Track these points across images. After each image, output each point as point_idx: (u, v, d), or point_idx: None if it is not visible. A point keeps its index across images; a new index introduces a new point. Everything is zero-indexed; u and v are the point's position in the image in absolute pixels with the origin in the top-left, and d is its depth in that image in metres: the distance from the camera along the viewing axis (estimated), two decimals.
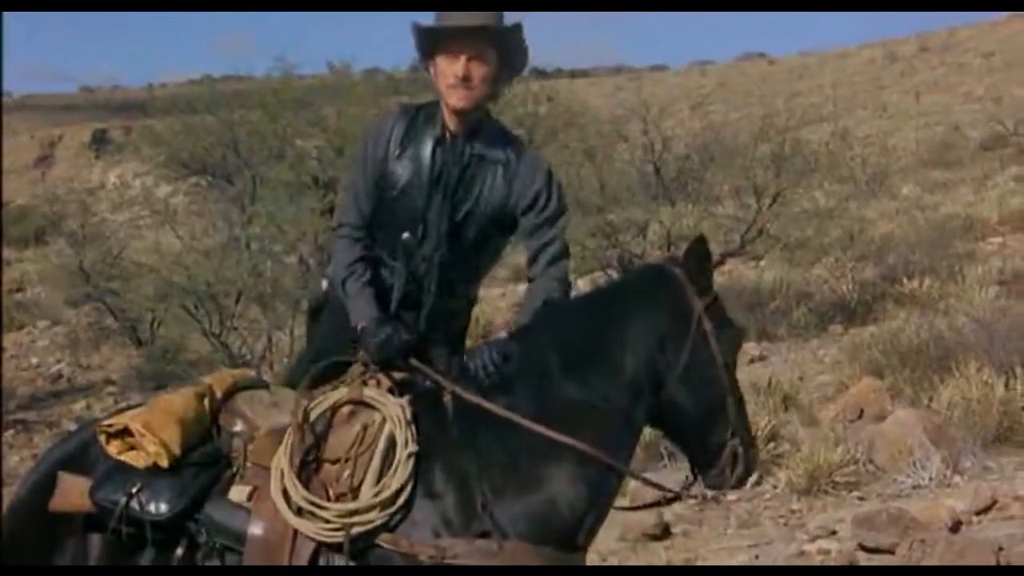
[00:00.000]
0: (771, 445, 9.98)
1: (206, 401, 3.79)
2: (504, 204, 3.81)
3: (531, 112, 28.10)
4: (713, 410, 3.63)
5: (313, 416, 3.59)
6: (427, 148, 3.74)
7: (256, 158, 23.72)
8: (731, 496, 9.38)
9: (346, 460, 3.50)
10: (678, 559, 8.24)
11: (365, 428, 3.53)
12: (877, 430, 10.03)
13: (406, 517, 3.43)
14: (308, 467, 3.51)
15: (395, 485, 3.41)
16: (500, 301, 20.60)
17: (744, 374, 12.97)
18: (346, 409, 3.63)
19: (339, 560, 3.40)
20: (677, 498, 3.87)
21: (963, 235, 18.71)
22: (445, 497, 3.45)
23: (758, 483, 9.58)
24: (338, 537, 3.40)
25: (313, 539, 3.43)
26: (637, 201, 17.96)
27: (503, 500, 3.44)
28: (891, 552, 7.32)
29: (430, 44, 3.72)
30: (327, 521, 3.41)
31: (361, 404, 3.61)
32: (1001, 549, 6.78)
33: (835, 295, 16.21)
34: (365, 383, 3.65)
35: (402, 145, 3.75)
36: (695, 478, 3.78)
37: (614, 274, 16.84)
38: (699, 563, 8.10)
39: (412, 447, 3.47)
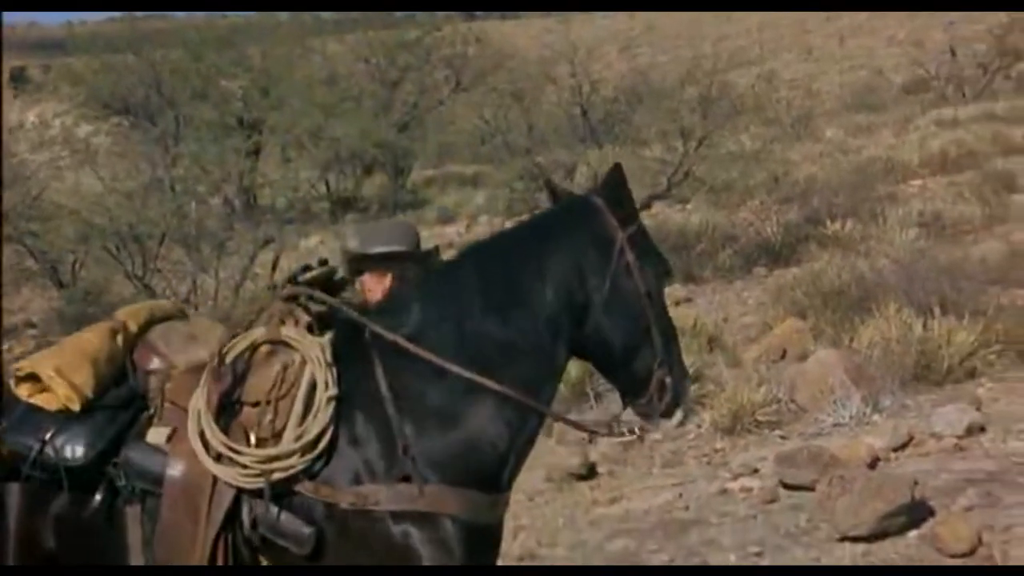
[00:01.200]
0: (696, 386, 10.11)
1: (119, 338, 3.67)
2: None
3: (459, 53, 27.95)
4: (637, 340, 3.58)
5: (231, 356, 3.50)
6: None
7: (179, 98, 23.36)
8: (656, 436, 9.51)
9: (267, 403, 3.42)
10: (603, 499, 8.35)
11: (285, 368, 3.45)
12: (799, 370, 10.19)
13: (328, 463, 3.37)
14: (228, 410, 3.44)
15: (315, 430, 3.35)
16: (428, 243, 20.50)
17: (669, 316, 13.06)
18: (264, 349, 3.54)
19: (260, 507, 3.35)
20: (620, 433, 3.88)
21: (885, 178, 18.96)
22: (366, 441, 3.40)
23: (682, 423, 9.70)
24: (258, 483, 3.34)
25: (232, 485, 3.37)
26: (565, 143, 17.98)
27: (424, 442, 3.39)
28: (811, 489, 7.46)
29: (358, 265, 3.94)
30: (246, 467, 3.34)
31: (280, 343, 3.52)
32: (916, 484, 6.95)
33: (760, 237, 16.38)
34: (283, 321, 3.56)
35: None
36: (624, 409, 3.74)
37: (545, 202, 16.89)
38: (624, 502, 8.22)
39: (332, 390, 3.40)
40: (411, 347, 3.44)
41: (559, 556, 7.30)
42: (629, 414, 3.76)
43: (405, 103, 27.49)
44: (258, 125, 22.17)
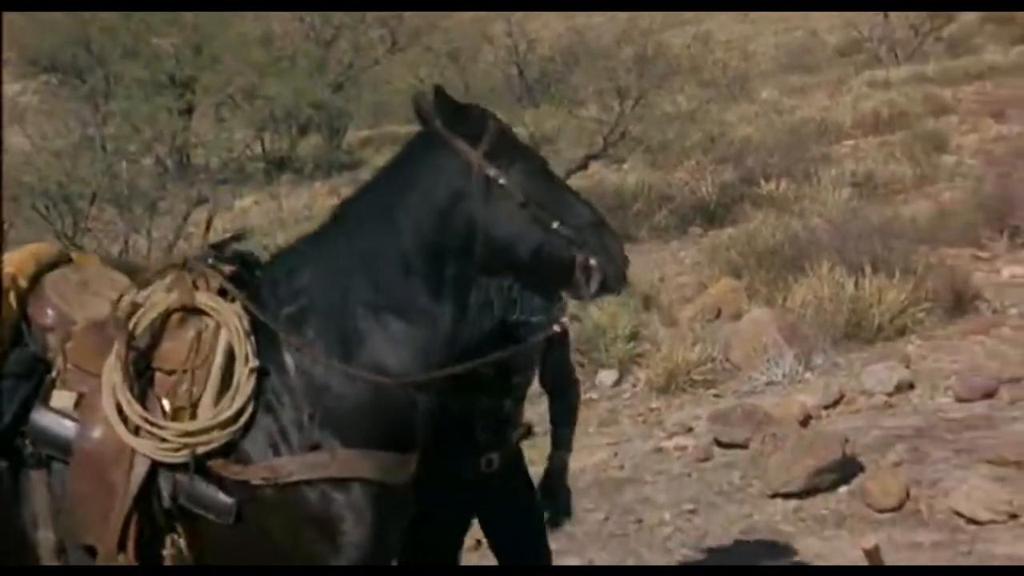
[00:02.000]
0: (631, 345, 10.19)
1: (12, 295, 3.48)
2: None
3: (395, 13, 27.70)
4: (539, 241, 3.44)
5: (143, 325, 3.38)
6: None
7: (109, 56, 22.92)
8: (592, 395, 9.58)
9: (183, 372, 3.33)
10: (539, 458, 8.36)
11: (199, 335, 3.37)
12: (733, 329, 10.29)
13: (247, 435, 3.31)
14: (142, 379, 3.33)
15: (237, 404, 3.29)
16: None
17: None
18: (177, 315, 3.42)
19: (181, 478, 3.28)
20: None
21: (818, 138, 19.12)
22: (279, 411, 3.34)
23: (618, 382, 9.79)
24: (180, 457, 3.26)
25: (155, 459, 3.28)
26: (502, 103, 17.90)
27: (331, 408, 3.34)
28: (744, 446, 7.56)
29: None
30: (166, 440, 3.27)
31: (194, 310, 3.41)
32: (847, 440, 7.06)
33: (695, 197, 16.45)
34: (196, 286, 3.44)
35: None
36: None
37: None
38: None
39: (253, 362, 3.32)
40: (286, 334, 3.38)
41: None
42: None
43: (340, 63, 27.21)
44: (191, 84, 21.83)
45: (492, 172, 3.42)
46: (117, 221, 14.93)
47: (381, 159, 24.94)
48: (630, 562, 6.25)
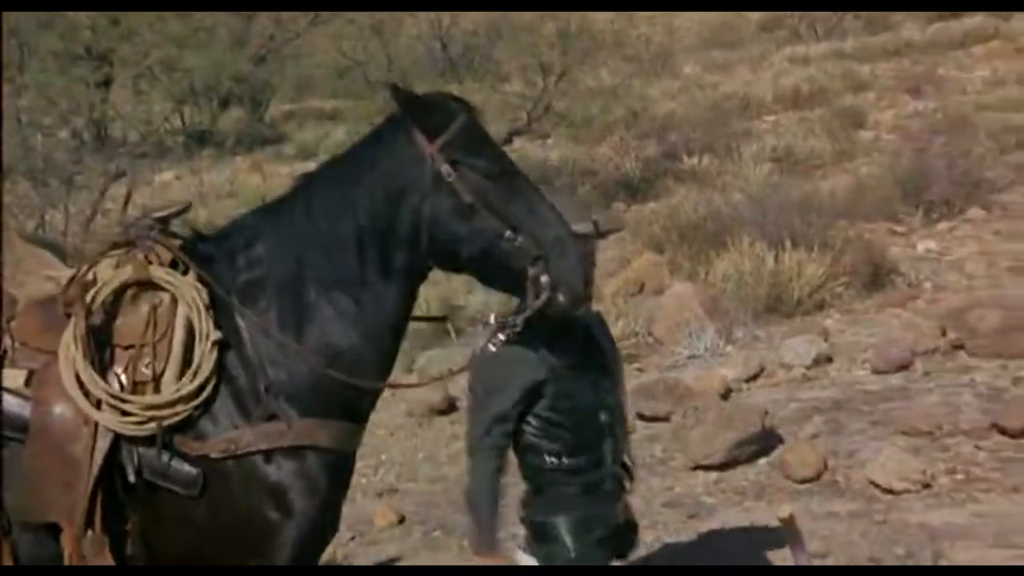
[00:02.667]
0: None
1: None
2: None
3: None
4: (490, 248, 3.44)
5: (99, 300, 3.39)
6: (572, 340, 3.76)
7: (23, 26, 22.41)
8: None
9: (142, 346, 3.34)
10: (463, 433, 8.39)
11: (155, 309, 3.37)
12: (656, 303, 10.37)
13: (209, 409, 3.34)
14: (101, 355, 3.34)
15: (201, 377, 3.32)
16: (288, 179, 20.22)
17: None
18: (131, 290, 3.43)
19: (146, 452, 3.29)
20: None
21: (740, 114, 19.28)
22: (237, 383, 3.38)
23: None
24: (146, 430, 3.29)
25: (119, 432, 3.29)
26: (425, 77, 17.82)
27: (286, 378, 3.38)
28: (666, 420, 7.63)
29: None
30: (130, 414, 3.28)
31: (148, 284, 3.42)
32: (767, 413, 7.17)
33: (619, 173, 16.52)
34: (149, 261, 3.45)
35: (550, 358, 3.73)
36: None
37: None
38: None
39: (215, 335, 3.35)
40: (244, 315, 3.41)
41: (419, 490, 7.35)
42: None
43: (261, 35, 26.87)
44: (108, 56, 21.43)
45: (444, 168, 3.42)
46: (32, 195, 14.62)
47: (305, 133, 24.86)
48: None
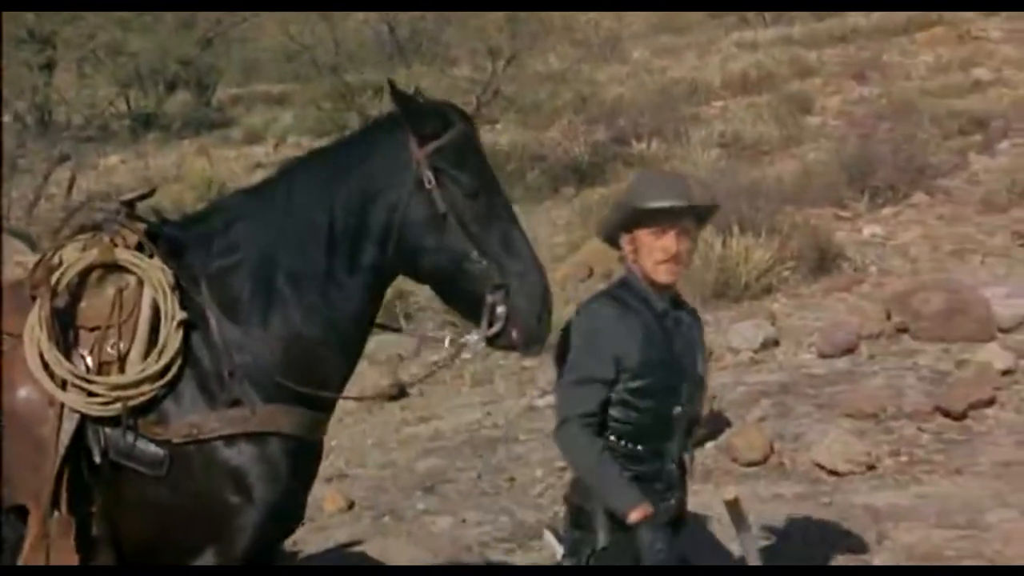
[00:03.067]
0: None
1: None
2: (703, 351, 3.73)
3: None
4: (450, 262, 3.45)
5: (64, 282, 3.40)
6: (655, 326, 3.54)
7: None
8: (465, 355, 9.59)
9: (108, 327, 3.36)
10: (413, 418, 8.41)
11: (120, 291, 3.38)
12: None
13: (173, 389, 3.35)
14: (66, 336, 3.35)
15: (166, 357, 3.33)
16: (235, 164, 20.08)
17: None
18: (96, 273, 3.44)
19: (112, 433, 3.30)
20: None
21: (688, 99, 19.33)
22: (199, 366, 3.39)
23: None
24: (111, 410, 3.29)
25: (85, 413, 3.30)
26: (373, 61, 17.72)
27: (251, 364, 3.40)
28: None
29: (635, 219, 3.53)
30: (95, 394, 3.29)
31: (113, 267, 3.43)
32: (714, 397, 7.22)
33: (568, 157, 16.53)
34: (115, 243, 3.46)
35: (637, 334, 3.50)
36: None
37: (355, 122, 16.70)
38: (433, 421, 8.28)
39: (180, 315, 3.37)
40: (208, 305, 3.40)
41: (368, 475, 7.34)
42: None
43: (207, 18, 26.60)
44: (51, 38, 21.12)
45: (426, 174, 3.43)
46: None
47: (253, 118, 24.64)
48: (502, 520, 6.30)
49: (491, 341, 3.47)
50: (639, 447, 3.49)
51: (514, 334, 3.44)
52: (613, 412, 3.49)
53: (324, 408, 3.56)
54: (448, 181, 3.45)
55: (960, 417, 6.87)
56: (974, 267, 10.15)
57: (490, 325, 3.42)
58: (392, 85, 3.57)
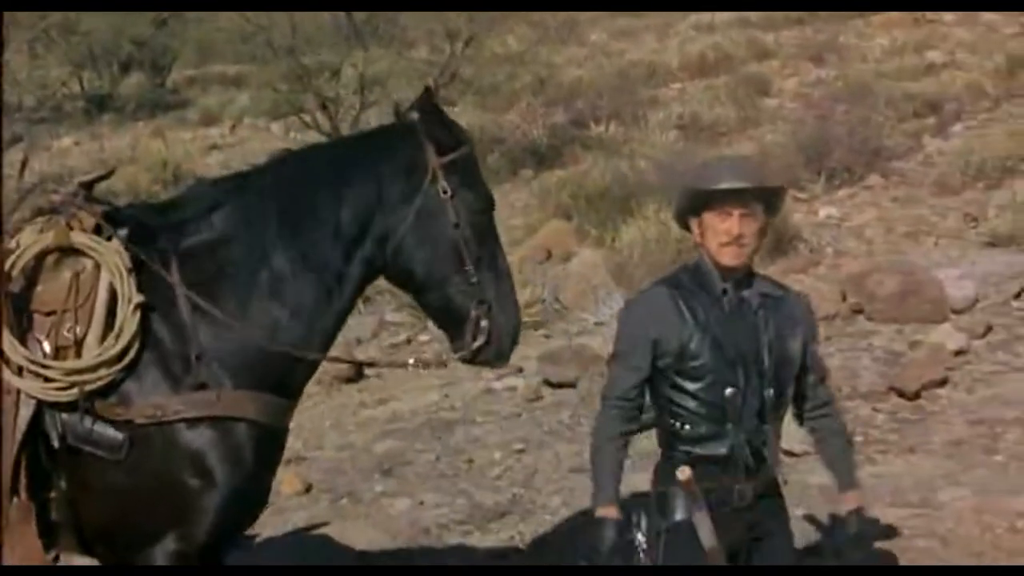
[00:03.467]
0: None
1: None
2: (792, 336, 3.58)
3: None
4: (446, 273, 3.58)
5: (19, 266, 3.36)
6: (713, 308, 3.50)
7: None
8: (423, 337, 9.59)
9: (64, 312, 3.32)
10: (371, 400, 8.39)
11: (77, 275, 3.35)
12: (564, 270, 10.44)
13: (133, 372, 3.33)
14: (21, 321, 3.31)
15: (123, 341, 3.30)
16: (190, 145, 19.91)
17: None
18: (52, 256, 3.40)
19: (69, 418, 3.27)
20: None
21: (646, 81, 19.34)
22: (163, 348, 3.37)
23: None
24: (68, 396, 3.27)
25: (41, 399, 3.27)
26: (330, 43, 17.60)
27: (219, 348, 3.39)
28: (573, 386, 7.69)
29: (700, 202, 3.51)
30: (51, 380, 3.26)
31: (69, 250, 3.40)
32: None
33: (526, 140, 16.51)
34: (71, 227, 3.42)
35: (685, 316, 3.48)
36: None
37: (307, 119, 16.60)
38: (391, 403, 8.27)
39: (137, 298, 3.33)
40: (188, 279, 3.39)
41: (326, 458, 7.32)
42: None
43: None
44: (0, 17, 20.87)
45: (443, 184, 3.54)
46: None
47: (208, 99, 24.41)
48: (460, 502, 6.31)
49: (472, 355, 3.63)
50: (697, 429, 3.48)
51: (492, 351, 3.64)
52: (670, 394, 3.52)
53: (292, 395, 3.57)
54: (461, 194, 3.58)
55: (914, 397, 6.94)
56: (928, 249, 10.24)
57: (473, 339, 3.58)
58: (428, 91, 3.70)
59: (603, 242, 11.10)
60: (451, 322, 3.65)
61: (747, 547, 3.53)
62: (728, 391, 3.46)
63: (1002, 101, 15.37)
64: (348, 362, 3.67)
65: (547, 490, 6.32)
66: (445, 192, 3.55)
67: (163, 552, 3.35)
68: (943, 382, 7.07)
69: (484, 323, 3.58)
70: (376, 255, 3.58)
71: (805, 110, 15.25)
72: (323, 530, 6.13)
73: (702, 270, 3.55)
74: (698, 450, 3.48)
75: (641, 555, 3.49)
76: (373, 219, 3.55)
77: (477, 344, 3.59)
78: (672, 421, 3.52)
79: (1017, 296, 8.38)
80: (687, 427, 3.50)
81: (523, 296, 9.69)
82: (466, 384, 8.43)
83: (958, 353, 7.49)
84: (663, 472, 3.53)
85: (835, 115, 13.44)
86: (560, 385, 7.85)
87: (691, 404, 3.49)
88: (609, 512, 3.47)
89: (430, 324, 10.03)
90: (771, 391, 3.51)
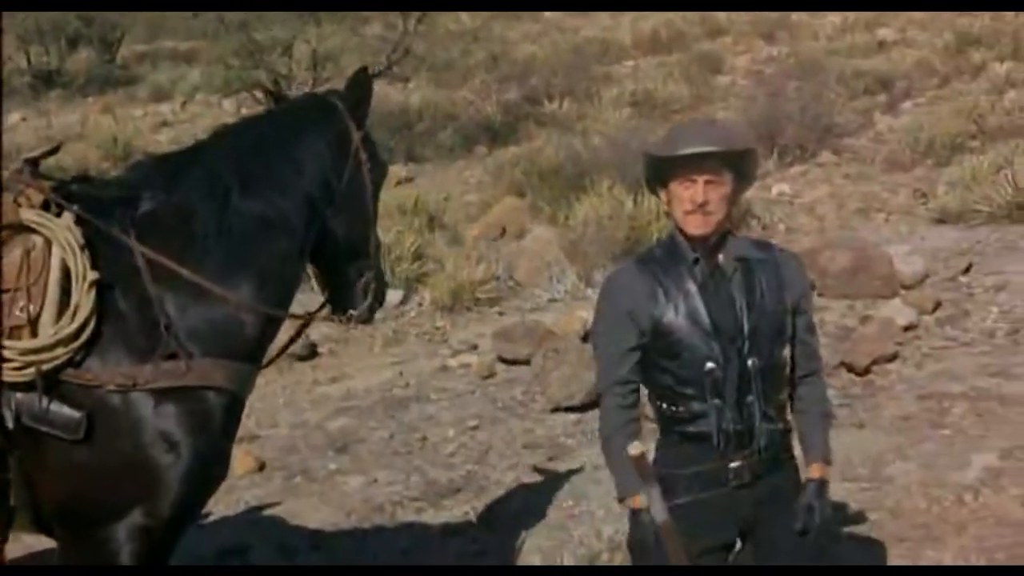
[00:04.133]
0: (416, 265, 10.21)
1: None
2: (776, 300, 3.38)
3: None
4: (359, 241, 3.76)
5: None
6: (685, 279, 3.34)
7: None
8: (377, 315, 9.56)
9: (16, 290, 3.25)
10: (324, 378, 8.36)
11: (28, 253, 3.28)
12: (518, 247, 10.44)
13: (94, 348, 3.28)
14: None
15: (80, 317, 3.24)
16: (141, 122, 19.72)
17: (391, 195, 13.08)
18: (2, 234, 3.32)
19: (25, 398, 3.21)
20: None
21: (600, 58, 19.39)
22: (127, 320, 3.32)
23: (403, 302, 9.81)
24: (24, 376, 3.21)
25: None
26: (281, 19, 17.44)
27: (186, 317, 3.36)
28: (527, 363, 7.70)
29: (663, 171, 3.36)
30: (7, 360, 3.20)
31: (19, 228, 3.32)
32: None
33: (480, 116, 16.51)
34: (19, 203, 3.35)
35: (657, 291, 3.33)
36: (332, 307, 3.91)
37: (260, 96, 16.44)
38: (345, 381, 8.25)
39: (92, 275, 3.27)
40: (139, 248, 3.36)
41: (280, 435, 7.29)
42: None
43: None
44: None
45: (362, 155, 3.72)
46: None
47: (159, 75, 24.15)
48: (414, 479, 6.31)
49: (359, 316, 3.87)
50: (682, 408, 3.33)
51: (368, 310, 3.88)
52: (652, 375, 3.38)
53: (257, 361, 3.60)
54: (372, 164, 3.77)
55: (864, 372, 7.00)
56: (878, 225, 10.34)
57: (364, 299, 3.84)
58: (365, 72, 3.84)
59: (557, 219, 11.12)
60: (348, 284, 3.82)
61: (754, 526, 3.38)
62: (708, 365, 3.30)
63: (951, 79, 15.53)
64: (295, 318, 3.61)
65: (501, 466, 6.33)
66: (365, 163, 3.72)
67: (127, 528, 3.31)
68: (893, 357, 7.14)
69: (373, 284, 3.82)
70: (321, 219, 3.68)
71: (757, 87, 15.34)
72: (276, 508, 6.11)
73: (674, 241, 3.41)
74: (690, 429, 3.33)
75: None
76: (327, 184, 3.65)
77: (367, 304, 3.83)
78: (659, 403, 3.40)
79: (965, 272, 8.47)
80: (673, 407, 3.36)
81: (478, 273, 9.77)
82: (420, 362, 8.43)
83: (907, 328, 7.56)
84: (661, 455, 3.41)
85: (787, 92, 13.53)
86: (514, 362, 7.86)
87: (670, 382, 3.35)
88: (636, 502, 3.32)
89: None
90: (754, 360, 3.32)
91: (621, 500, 3.38)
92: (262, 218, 3.52)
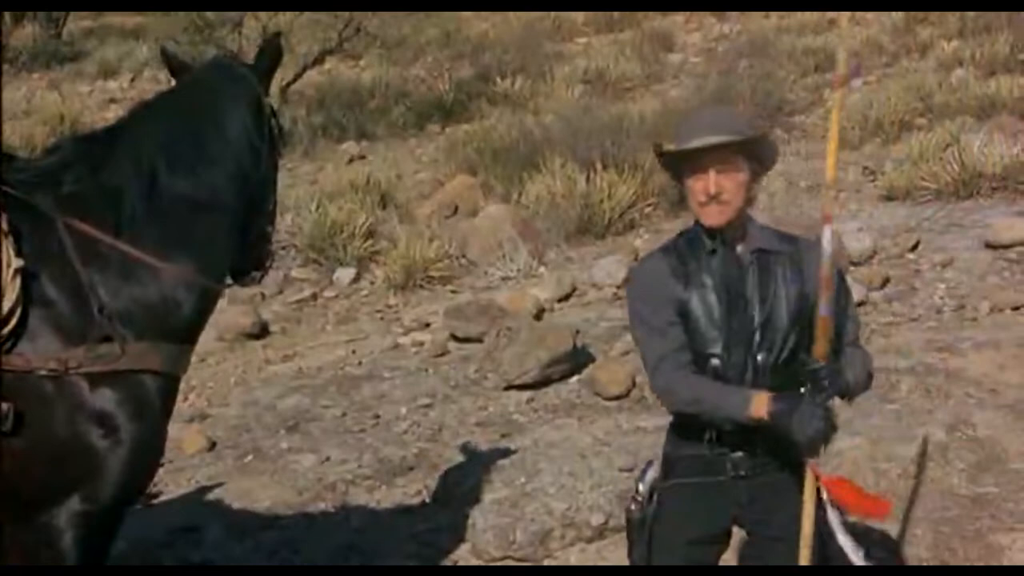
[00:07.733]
0: (369, 242, 10.18)
1: None
2: (802, 293, 3.31)
3: None
4: (265, 210, 3.82)
5: None
6: (703, 271, 3.31)
7: None
8: (329, 293, 9.55)
9: None
10: (276, 357, 8.33)
11: None
12: (470, 225, 10.43)
13: (23, 335, 3.20)
14: None
15: (6, 306, 3.16)
16: (88, 99, 19.46)
17: (343, 173, 12.98)
18: None
19: None
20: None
21: (552, 36, 19.36)
22: (59, 305, 3.26)
23: (356, 280, 9.79)
24: None
25: None
26: None
27: (120, 299, 3.31)
28: (480, 341, 7.71)
29: (675, 166, 3.32)
30: None
31: None
32: (578, 332, 7.31)
33: (432, 94, 16.45)
34: None
35: (679, 277, 3.30)
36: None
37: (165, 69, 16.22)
38: (297, 359, 8.22)
39: (17, 262, 3.20)
40: (67, 221, 3.30)
41: (231, 415, 7.26)
42: None
43: None
44: None
45: (274, 122, 3.77)
46: None
47: (107, 51, 23.85)
48: (367, 457, 6.30)
49: (260, 280, 4.03)
50: None
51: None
52: None
53: (193, 340, 3.56)
54: (277, 134, 3.82)
55: None
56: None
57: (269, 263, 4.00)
58: (277, 38, 3.87)
59: (509, 197, 11.12)
60: (255, 252, 3.87)
61: (750, 521, 3.37)
62: (712, 358, 3.29)
63: (900, 56, 15.64)
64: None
65: (453, 445, 6.33)
66: (276, 129, 3.78)
67: (67, 513, 3.28)
68: None
69: (268, 247, 3.93)
70: (251, 188, 3.69)
71: (708, 65, 15.38)
72: (227, 487, 6.09)
73: (695, 232, 3.37)
74: (692, 423, 3.32)
75: (633, 506, 3.47)
76: (255, 153, 3.67)
77: (264, 272, 3.97)
78: None
79: (913, 248, 8.57)
80: None
81: (430, 251, 9.76)
82: (373, 340, 8.42)
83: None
84: (670, 436, 3.44)
85: (738, 70, 13.57)
86: (466, 340, 7.86)
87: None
88: (762, 399, 3.18)
89: (335, 279, 10.06)
90: (764, 355, 3.29)
91: (746, 417, 3.19)
92: (192, 195, 3.48)
